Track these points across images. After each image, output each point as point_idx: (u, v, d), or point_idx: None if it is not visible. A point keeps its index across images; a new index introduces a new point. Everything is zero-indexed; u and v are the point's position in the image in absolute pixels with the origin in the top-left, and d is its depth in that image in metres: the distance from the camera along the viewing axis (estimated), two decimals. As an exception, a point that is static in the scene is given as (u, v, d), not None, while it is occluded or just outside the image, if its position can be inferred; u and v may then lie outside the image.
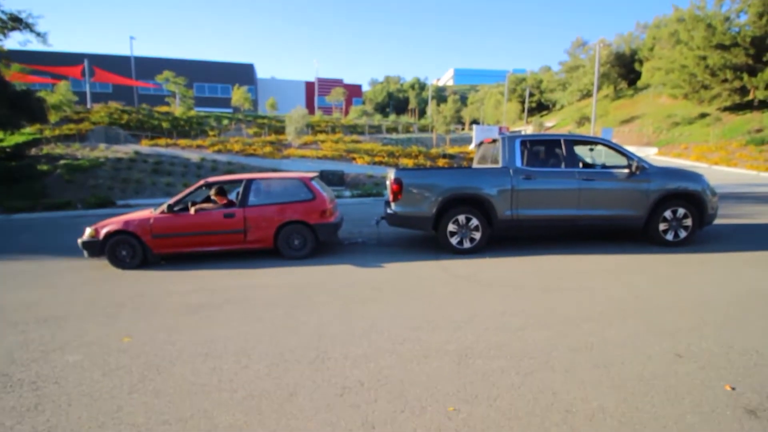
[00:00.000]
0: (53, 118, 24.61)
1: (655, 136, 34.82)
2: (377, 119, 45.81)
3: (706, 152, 26.22)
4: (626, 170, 6.25)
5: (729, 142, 26.69)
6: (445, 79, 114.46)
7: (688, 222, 6.26)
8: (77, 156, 19.55)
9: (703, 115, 32.79)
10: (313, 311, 4.15)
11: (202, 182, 6.59)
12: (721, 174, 20.29)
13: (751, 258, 5.65)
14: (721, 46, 28.62)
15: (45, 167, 17.79)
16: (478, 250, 6.27)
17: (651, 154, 30.35)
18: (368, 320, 3.87)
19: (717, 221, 7.70)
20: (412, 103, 76.63)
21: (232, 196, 6.68)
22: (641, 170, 6.21)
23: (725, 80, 29.13)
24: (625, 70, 51.21)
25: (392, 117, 55.80)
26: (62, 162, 18.37)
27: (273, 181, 6.71)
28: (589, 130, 30.16)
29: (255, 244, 6.32)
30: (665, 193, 6.20)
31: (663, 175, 6.30)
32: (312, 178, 6.64)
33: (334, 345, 3.38)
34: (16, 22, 19.86)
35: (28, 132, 22.56)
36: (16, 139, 21.75)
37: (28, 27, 20.11)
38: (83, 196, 14.82)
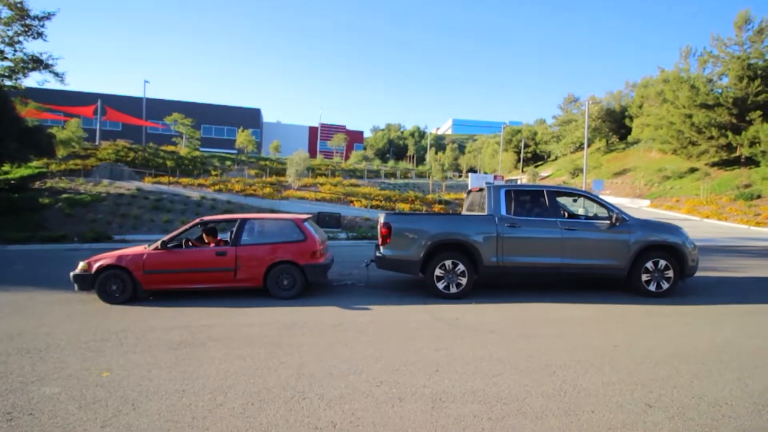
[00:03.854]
0: (61, 153, 25.31)
1: (647, 189, 35.67)
2: (376, 164, 47.02)
3: (698, 206, 26.80)
4: (607, 221, 6.48)
5: (719, 197, 27.36)
6: (445, 128, 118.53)
7: (670, 273, 6.40)
8: (80, 190, 19.90)
9: (693, 170, 33.83)
10: (295, 351, 4.18)
11: (197, 220, 6.78)
12: (712, 227, 20.64)
13: (731, 310, 5.74)
14: (706, 106, 30.12)
15: (47, 200, 18.07)
16: (464, 295, 6.35)
17: (644, 206, 30.95)
18: (348, 362, 3.90)
19: (703, 273, 7.85)
20: (411, 150, 78.89)
21: (227, 236, 6.84)
22: (622, 222, 6.44)
23: (711, 137, 30.36)
24: (616, 125, 53.40)
25: (391, 163, 57.25)
26: (64, 196, 18.68)
27: (266, 221, 6.91)
28: (582, 181, 30.94)
29: (245, 282, 6.40)
30: (646, 244, 6.39)
31: (643, 227, 6.52)
32: (304, 220, 6.84)
33: (312, 385, 3.41)
34: (36, 63, 21.00)
35: (35, 165, 23.07)
36: (22, 171, 22.21)
37: (47, 67, 21.22)
38: (81, 230, 14.96)
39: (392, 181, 36.37)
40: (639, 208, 30.14)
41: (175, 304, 6.04)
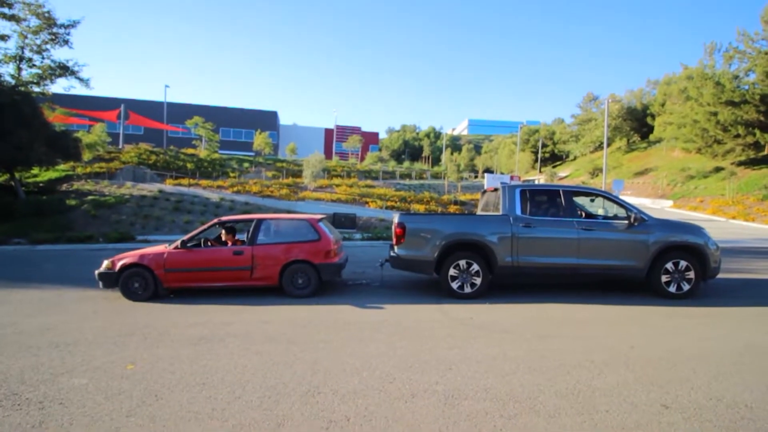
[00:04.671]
0: (87, 156, 26.19)
1: (670, 189, 34.72)
2: (392, 165, 47.08)
3: (723, 206, 25.95)
4: (625, 221, 6.37)
5: (746, 197, 26.43)
6: (460, 128, 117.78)
7: (691, 275, 6.25)
8: (104, 192, 20.58)
9: (718, 169, 32.77)
10: (310, 348, 4.27)
11: (215, 221, 6.97)
12: (738, 228, 19.96)
13: (753, 313, 5.58)
14: (731, 103, 29.15)
15: (73, 202, 18.74)
16: (479, 295, 6.34)
17: (666, 207, 30.14)
18: (362, 359, 3.97)
19: (727, 275, 7.64)
20: (426, 151, 78.70)
21: (244, 236, 7.00)
22: (640, 222, 6.32)
23: (738, 135, 29.38)
24: (638, 123, 52.16)
25: (406, 164, 57.20)
26: (90, 198, 19.34)
27: (282, 221, 7.05)
28: (601, 181, 30.35)
29: (261, 281, 6.54)
30: (666, 245, 6.26)
31: (663, 228, 6.39)
32: (319, 220, 6.95)
33: (326, 381, 3.48)
34: (63, 70, 21.81)
35: (62, 169, 23.99)
36: (50, 175, 23.15)
37: (73, 74, 22.02)
38: (106, 231, 15.47)
39: (407, 182, 36.36)
40: (661, 208, 29.36)
41: (195, 302, 6.22)
